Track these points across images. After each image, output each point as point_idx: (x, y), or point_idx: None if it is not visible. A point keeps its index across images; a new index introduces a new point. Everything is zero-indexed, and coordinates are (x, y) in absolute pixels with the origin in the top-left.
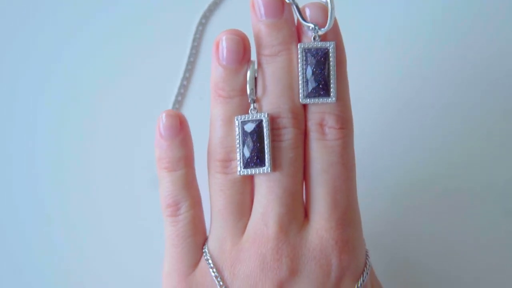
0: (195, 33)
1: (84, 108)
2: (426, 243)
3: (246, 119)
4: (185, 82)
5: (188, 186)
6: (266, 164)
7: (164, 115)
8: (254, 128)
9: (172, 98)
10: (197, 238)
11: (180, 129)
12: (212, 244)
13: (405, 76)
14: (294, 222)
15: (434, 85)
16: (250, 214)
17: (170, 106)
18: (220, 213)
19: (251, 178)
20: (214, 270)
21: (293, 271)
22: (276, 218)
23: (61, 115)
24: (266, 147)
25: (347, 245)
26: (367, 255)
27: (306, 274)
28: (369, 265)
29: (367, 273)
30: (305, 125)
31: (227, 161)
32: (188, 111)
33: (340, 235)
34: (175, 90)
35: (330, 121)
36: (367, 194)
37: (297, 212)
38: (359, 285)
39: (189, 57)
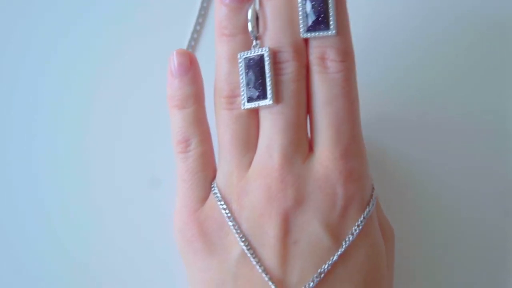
0: None
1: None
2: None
3: (248, 54)
4: (200, 20)
5: (198, 123)
6: (268, 96)
7: (174, 53)
8: (256, 62)
9: (188, 36)
10: (206, 173)
11: (190, 67)
12: (220, 179)
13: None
14: (298, 153)
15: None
16: (256, 148)
17: (184, 46)
18: (226, 148)
19: (256, 113)
20: (222, 203)
21: (298, 201)
22: (280, 149)
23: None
24: (268, 80)
25: (352, 175)
26: (373, 188)
27: (311, 203)
28: (375, 198)
29: (373, 204)
30: (307, 60)
31: (232, 97)
32: (202, 52)
33: (344, 165)
34: (191, 28)
35: (332, 54)
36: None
37: (301, 144)
38: (365, 214)
39: None
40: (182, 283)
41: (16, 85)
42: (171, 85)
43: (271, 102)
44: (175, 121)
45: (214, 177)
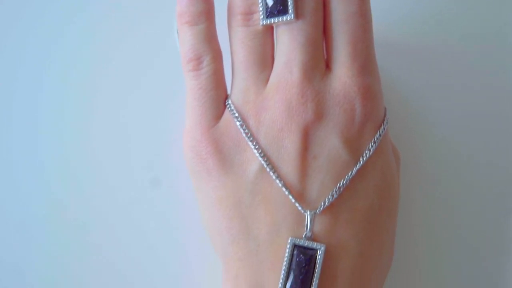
0: None
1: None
2: None
3: None
4: None
5: (210, 40)
6: (290, 11)
7: None
8: None
9: None
10: (219, 91)
11: None
12: (235, 96)
13: None
14: (317, 69)
15: None
16: (272, 66)
17: None
18: (242, 65)
19: (272, 31)
20: (239, 119)
21: (319, 115)
22: (300, 64)
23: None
24: None
25: (369, 92)
26: (385, 108)
27: (331, 118)
28: (388, 119)
29: (387, 122)
30: None
31: (248, 13)
32: None
33: (362, 82)
34: None
35: None
36: None
37: (319, 60)
38: (381, 131)
39: None
40: (183, 282)
41: (16, 51)
42: (182, 1)
43: (292, 17)
44: (185, 39)
45: (226, 96)
